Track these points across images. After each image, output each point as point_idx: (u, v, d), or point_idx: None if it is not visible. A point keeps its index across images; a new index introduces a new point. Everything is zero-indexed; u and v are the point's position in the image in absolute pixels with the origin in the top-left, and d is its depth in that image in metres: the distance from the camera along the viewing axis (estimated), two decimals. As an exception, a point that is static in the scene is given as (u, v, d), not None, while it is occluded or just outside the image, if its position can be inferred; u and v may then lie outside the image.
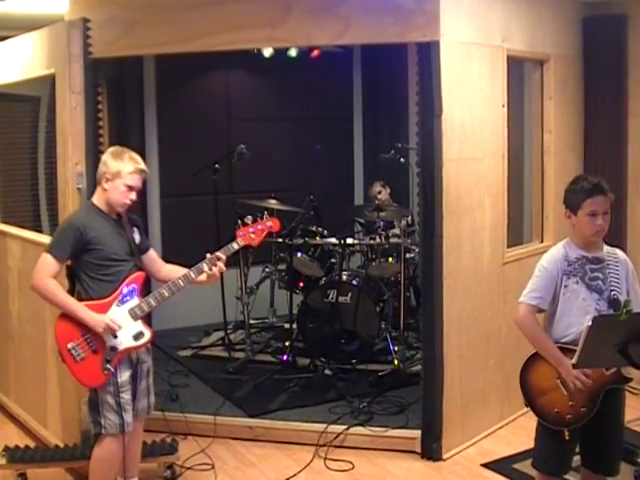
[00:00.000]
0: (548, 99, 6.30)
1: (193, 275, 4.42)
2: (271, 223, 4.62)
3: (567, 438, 3.84)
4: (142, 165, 4.41)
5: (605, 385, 3.77)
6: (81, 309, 4.20)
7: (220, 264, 4.45)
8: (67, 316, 4.23)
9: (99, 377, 4.25)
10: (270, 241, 7.37)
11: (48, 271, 4.21)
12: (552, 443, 3.96)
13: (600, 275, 3.91)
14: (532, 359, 4.08)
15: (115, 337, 4.26)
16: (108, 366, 4.22)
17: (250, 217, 4.63)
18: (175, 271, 4.54)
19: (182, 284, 4.40)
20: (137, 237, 4.53)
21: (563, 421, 3.86)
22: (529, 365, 4.09)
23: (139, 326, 4.35)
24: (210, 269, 4.44)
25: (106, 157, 4.39)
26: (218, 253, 4.46)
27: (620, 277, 3.91)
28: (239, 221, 4.60)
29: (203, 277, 4.47)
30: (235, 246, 4.52)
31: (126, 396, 4.35)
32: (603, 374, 3.75)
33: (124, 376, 4.34)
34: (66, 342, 4.20)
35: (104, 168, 4.34)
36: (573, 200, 3.98)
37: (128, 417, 4.36)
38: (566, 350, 3.86)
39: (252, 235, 4.56)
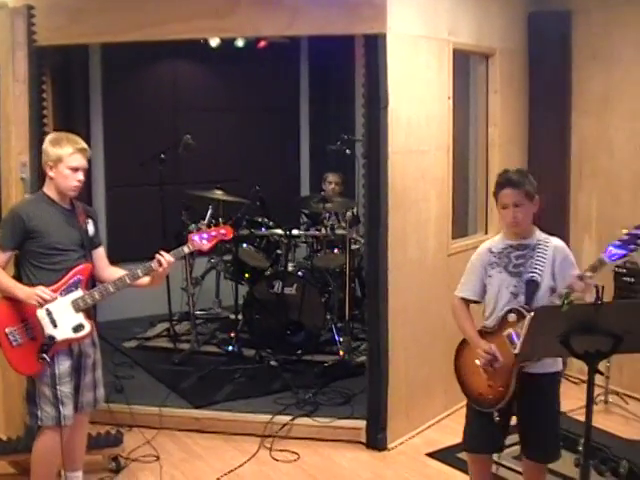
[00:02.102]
0: (493, 93, 6.36)
1: (140, 273, 4.38)
2: (224, 231, 4.58)
3: (497, 419, 3.95)
4: (81, 144, 4.37)
5: (516, 364, 3.85)
6: (15, 286, 4.20)
7: (166, 265, 4.39)
8: (7, 301, 4.21)
9: (34, 365, 4.19)
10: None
11: None
12: (478, 423, 4.08)
13: (523, 260, 4.01)
14: (460, 345, 4.22)
15: (55, 326, 4.21)
16: (44, 355, 4.14)
17: (204, 223, 4.66)
18: (117, 273, 4.50)
19: (128, 281, 4.37)
20: (91, 229, 4.49)
21: (487, 402, 3.98)
22: (458, 351, 4.23)
23: (80, 318, 4.31)
24: (157, 269, 4.38)
25: (45, 145, 4.36)
26: (167, 256, 4.39)
27: (545, 261, 3.97)
28: (193, 225, 4.60)
29: (147, 279, 4.45)
30: (185, 250, 4.49)
31: (65, 389, 4.28)
32: (511, 353, 3.83)
33: (62, 368, 4.28)
34: (4, 326, 4.18)
35: (45, 157, 4.33)
36: (494, 193, 4.06)
37: (66, 410, 4.28)
38: (488, 334, 4.05)
39: (204, 241, 4.52)
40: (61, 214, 4.35)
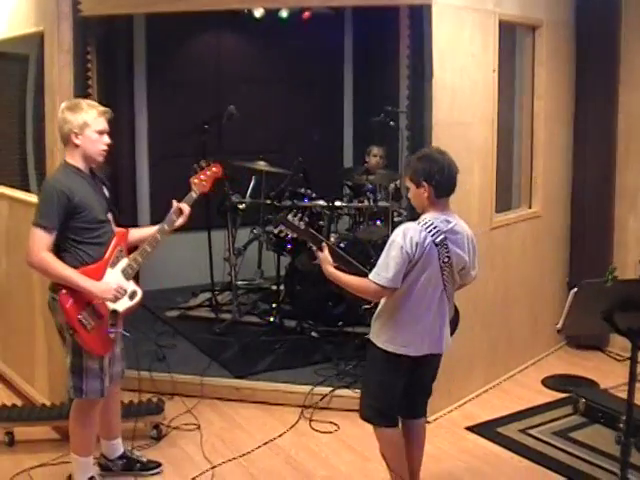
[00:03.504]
0: (539, 65, 6.29)
1: (167, 227, 4.46)
2: (215, 169, 4.71)
3: None
4: (102, 107, 4.29)
5: None
6: (84, 280, 4.09)
7: (186, 213, 4.51)
8: (70, 288, 4.12)
9: (108, 342, 4.24)
10: (258, 202, 7.36)
11: (42, 245, 4.04)
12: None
13: None
14: None
15: (115, 300, 4.26)
16: (114, 330, 4.23)
17: (203, 162, 4.69)
18: (133, 233, 4.54)
19: (159, 237, 4.41)
20: (107, 193, 4.45)
21: None
22: None
23: (132, 285, 4.35)
24: (178, 219, 4.50)
25: (63, 115, 4.21)
26: (182, 204, 4.51)
27: None
28: (194, 166, 4.68)
29: (178, 222, 4.51)
30: (193, 195, 4.60)
31: (106, 361, 4.32)
32: None
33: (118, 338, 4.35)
34: (76, 314, 4.10)
35: (68, 126, 4.18)
36: None
37: (107, 381, 4.33)
38: None
39: (203, 183, 4.65)
40: (89, 184, 4.27)
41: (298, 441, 5.22)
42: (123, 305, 4.29)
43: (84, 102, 4.30)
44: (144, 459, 4.81)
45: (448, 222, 4.01)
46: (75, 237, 4.15)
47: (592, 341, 6.79)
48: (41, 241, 4.04)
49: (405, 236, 3.90)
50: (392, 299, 4.01)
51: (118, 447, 4.76)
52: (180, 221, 4.49)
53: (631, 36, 6.48)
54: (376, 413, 4.17)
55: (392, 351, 4.04)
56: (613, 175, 6.69)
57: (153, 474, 4.78)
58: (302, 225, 4.29)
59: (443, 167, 3.99)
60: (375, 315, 4.15)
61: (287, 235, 6.89)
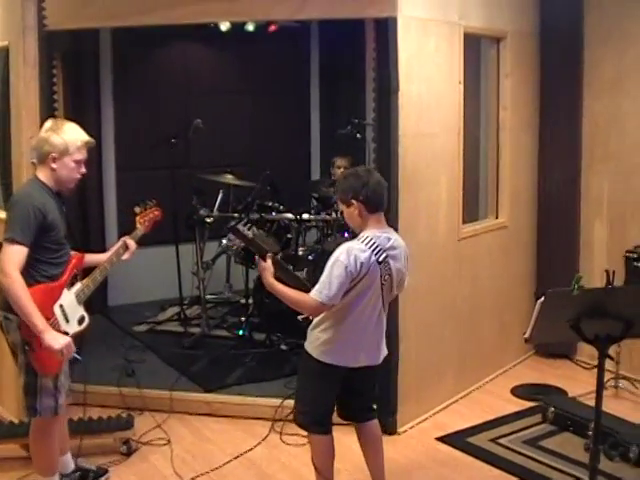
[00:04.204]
0: (504, 76, 6.34)
1: (115, 259, 4.53)
2: (157, 212, 4.94)
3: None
4: (87, 136, 4.27)
5: None
6: (39, 319, 3.95)
7: (132, 249, 4.64)
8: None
9: (56, 362, 4.16)
10: (226, 216, 7.35)
11: (16, 262, 3.93)
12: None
13: None
14: None
15: (67, 322, 4.20)
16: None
17: (138, 207, 4.80)
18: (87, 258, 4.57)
19: (109, 268, 4.50)
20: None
21: None
22: None
23: (82, 310, 4.34)
24: (124, 253, 4.62)
25: (47, 134, 4.15)
26: (130, 240, 4.63)
27: None
28: (140, 204, 4.79)
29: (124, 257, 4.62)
30: (139, 232, 4.76)
31: (62, 378, 4.28)
32: None
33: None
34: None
35: (48, 147, 4.12)
36: None
37: (61, 399, 4.28)
38: None
39: (146, 223, 4.84)
40: (57, 204, 4.21)
41: (269, 454, 5.20)
42: (73, 328, 4.25)
43: (70, 127, 4.24)
44: (94, 467, 4.80)
45: (389, 239, 4.09)
46: (37, 256, 4.07)
47: (560, 349, 6.84)
48: (16, 258, 3.94)
49: (349, 255, 3.94)
50: (331, 313, 4.07)
51: (69, 461, 4.72)
52: (126, 256, 4.60)
53: (594, 44, 6.53)
54: (310, 420, 4.27)
55: (328, 362, 4.12)
56: (578, 181, 6.75)
57: (106, 479, 4.81)
58: (250, 234, 4.42)
59: (367, 182, 4.04)
60: (312, 325, 4.21)
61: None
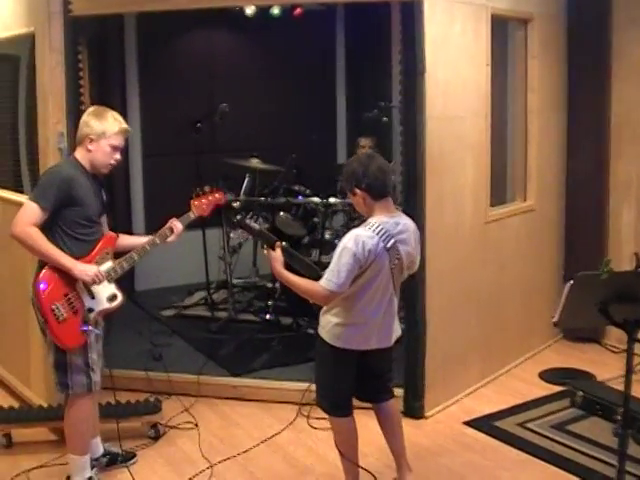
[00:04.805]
0: (532, 58, 6.28)
1: (158, 241, 4.51)
2: (219, 195, 4.87)
3: None
4: (125, 124, 4.39)
5: None
6: (66, 258, 4.14)
7: (178, 232, 4.59)
8: (50, 275, 4.17)
9: (78, 337, 4.24)
10: (252, 200, 7.36)
11: (30, 219, 4.09)
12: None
13: None
14: None
15: (92, 298, 4.27)
16: (87, 328, 4.23)
17: (207, 188, 4.77)
18: (124, 239, 4.60)
19: (148, 248, 4.48)
20: (105, 197, 4.52)
21: None
22: None
23: (113, 288, 4.38)
24: (170, 235, 4.58)
25: (88, 117, 4.32)
26: (177, 222, 4.59)
27: None
28: (196, 189, 4.76)
29: (170, 239, 4.58)
30: (191, 216, 4.71)
31: (94, 356, 4.35)
32: None
33: (91, 336, 4.34)
34: (50, 302, 4.14)
35: (87, 129, 4.28)
36: None
37: (96, 376, 4.37)
38: None
39: (204, 207, 4.78)
40: (91, 184, 4.34)
41: (296, 438, 5.21)
42: (100, 305, 4.32)
43: (111, 114, 4.37)
44: (122, 451, 4.83)
45: (397, 224, 4.08)
46: (65, 228, 4.21)
47: (588, 333, 6.80)
48: (32, 215, 4.11)
49: (357, 243, 3.94)
50: (341, 298, 4.06)
51: (98, 445, 4.76)
52: (172, 238, 4.58)
53: (623, 26, 6.47)
54: (330, 404, 4.30)
55: (340, 346, 4.13)
56: (607, 165, 6.69)
57: (134, 463, 4.85)
58: (256, 226, 4.50)
59: (368, 169, 4.03)
60: (324, 309, 4.21)
61: (283, 234, 6.88)
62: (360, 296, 4.05)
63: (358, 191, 4.04)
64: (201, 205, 4.75)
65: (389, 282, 4.09)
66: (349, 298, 4.05)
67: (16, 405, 5.40)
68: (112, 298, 4.37)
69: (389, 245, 3.99)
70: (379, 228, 3.99)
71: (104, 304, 4.33)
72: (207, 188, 4.81)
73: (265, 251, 4.28)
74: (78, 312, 4.23)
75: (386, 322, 4.19)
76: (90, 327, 4.26)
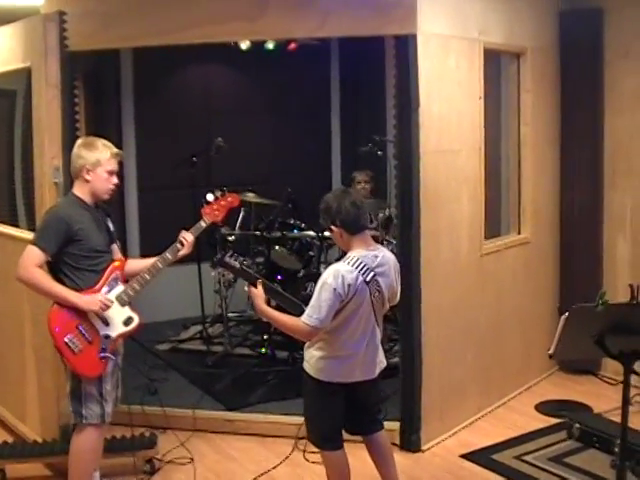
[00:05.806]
0: (525, 92, 6.32)
1: (169, 256, 4.52)
2: (231, 198, 4.79)
3: None
4: (115, 149, 4.48)
5: None
6: (71, 293, 4.22)
7: (189, 243, 4.57)
8: (59, 310, 4.24)
9: (98, 366, 4.29)
10: (248, 234, 7.36)
11: (33, 261, 4.19)
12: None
13: None
14: None
15: (107, 325, 4.32)
16: (106, 354, 4.29)
17: (211, 195, 4.73)
18: (136, 263, 4.64)
19: (160, 266, 4.50)
20: (111, 226, 4.58)
21: None
22: None
23: (127, 311, 4.42)
24: (182, 248, 4.57)
25: (79, 150, 4.41)
26: (188, 235, 4.58)
27: None
28: (203, 199, 4.73)
29: (182, 252, 4.57)
30: (203, 224, 4.67)
31: (108, 387, 4.39)
32: None
33: (108, 367, 4.37)
34: (63, 336, 4.20)
35: (81, 161, 4.36)
36: None
37: (109, 408, 4.41)
38: None
39: (216, 212, 4.72)
40: (93, 216, 4.41)
41: (292, 472, 5.19)
42: (116, 330, 4.36)
43: (100, 141, 4.47)
44: None
45: (376, 257, 4.12)
46: (72, 262, 4.29)
47: (585, 365, 6.79)
48: (34, 258, 4.21)
49: (337, 278, 3.97)
50: (324, 332, 4.08)
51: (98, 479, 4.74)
52: (184, 251, 4.58)
53: (615, 59, 6.53)
54: (319, 437, 4.33)
55: (324, 379, 4.17)
56: (601, 197, 6.73)
57: None
58: (236, 264, 4.44)
59: (340, 206, 4.08)
60: (307, 344, 4.25)
61: (278, 268, 6.89)
62: (343, 329, 4.08)
63: (334, 227, 4.10)
64: (212, 211, 4.70)
65: (371, 314, 4.12)
66: (332, 332, 4.08)
67: (10, 440, 5.37)
68: (128, 321, 4.42)
69: (368, 278, 4.03)
70: (358, 262, 4.02)
71: (120, 328, 4.38)
72: (218, 193, 4.77)
73: (246, 288, 4.30)
74: (94, 341, 4.28)
75: (369, 354, 4.21)
76: (108, 354, 4.31)
